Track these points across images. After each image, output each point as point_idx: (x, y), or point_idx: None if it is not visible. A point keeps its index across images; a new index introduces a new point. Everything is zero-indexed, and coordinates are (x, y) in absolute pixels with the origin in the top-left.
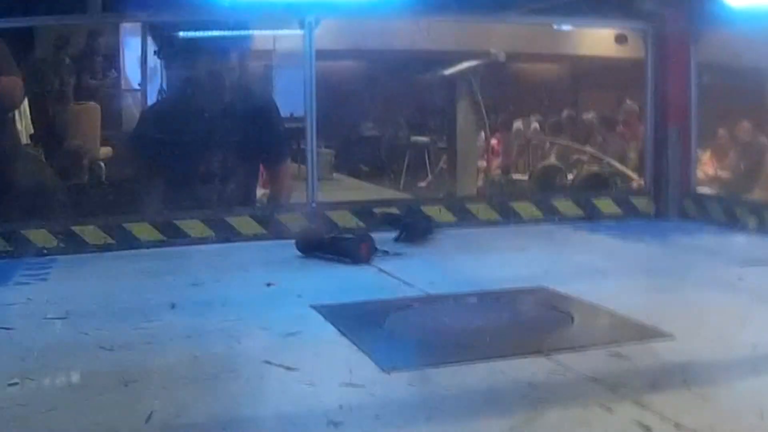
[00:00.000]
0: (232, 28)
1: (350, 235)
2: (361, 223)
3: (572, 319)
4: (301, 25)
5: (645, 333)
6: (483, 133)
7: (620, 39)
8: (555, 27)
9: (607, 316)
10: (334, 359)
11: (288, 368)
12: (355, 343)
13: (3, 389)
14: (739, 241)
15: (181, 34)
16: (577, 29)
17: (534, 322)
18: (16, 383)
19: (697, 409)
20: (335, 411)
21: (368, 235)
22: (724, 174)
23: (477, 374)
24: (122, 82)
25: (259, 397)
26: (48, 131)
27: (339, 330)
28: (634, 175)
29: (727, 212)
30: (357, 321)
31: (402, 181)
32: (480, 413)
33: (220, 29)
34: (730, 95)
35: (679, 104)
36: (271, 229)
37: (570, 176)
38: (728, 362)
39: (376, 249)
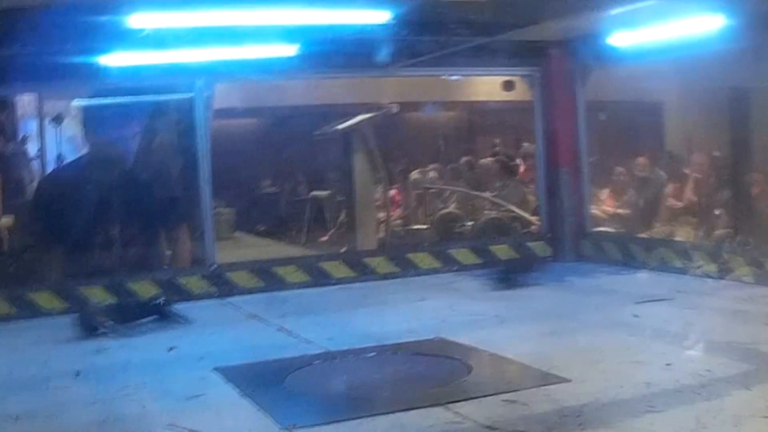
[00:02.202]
0: (126, 95)
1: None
2: (261, 282)
3: (469, 368)
4: (192, 89)
5: (541, 378)
6: (381, 185)
7: (507, 86)
8: (443, 77)
9: (503, 363)
10: (235, 420)
11: (191, 431)
12: (256, 403)
13: None
14: (634, 278)
15: (77, 102)
16: (467, 78)
17: (431, 374)
18: None
19: None
20: None
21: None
22: (623, 211)
23: (376, 428)
24: (22, 151)
25: None
26: None
27: (240, 391)
28: (533, 219)
29: (623, 251)
30: (258, 381)
31: (304, 237)
32: None
33: (114, 96)
34: (625, 131)
35: (568, 146)
36: (174, 293)
37: (469, 223)
38: (623, 402)
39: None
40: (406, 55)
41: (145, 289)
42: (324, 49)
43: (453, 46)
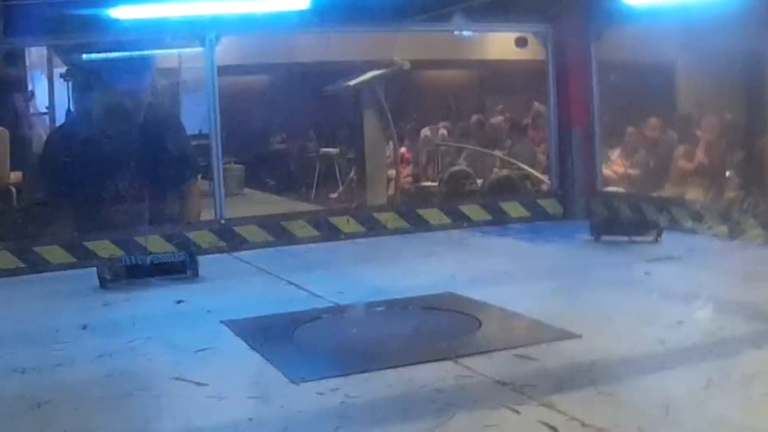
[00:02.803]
0: (135, 48)
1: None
2: (270, 237)
3: (479, 323)
4: (202, 43)
5: (552, 334)
6: (391, 143)
7: (520, 42)
8: (456, 33)
9: (514, 318)
10: (243, 373)
11: (198, 384)
12: (264, 357)
13: None
14: (645, 237)
15: (86, 55)
16: (478, 34)
17: (441, 328)
18: None
19: (603, 407)
20: (245, 423)
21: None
22: (634, 171)
23: (385, 382)
24: (30, 105)
25: (170, 413)
26: None
27: (248, 344)
28: (543, 178)
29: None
30: (266, 335)
31: (313, 194)
32: (388, 420)
33: (124, 49)
34: (637, 92)
35: (581, 105)
36: (182, 247)
37: (479, 181)
38: (635, 359)
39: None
40: (418, 10)
41: (154, 243)
42: (335, 3)
43: (465, 1)
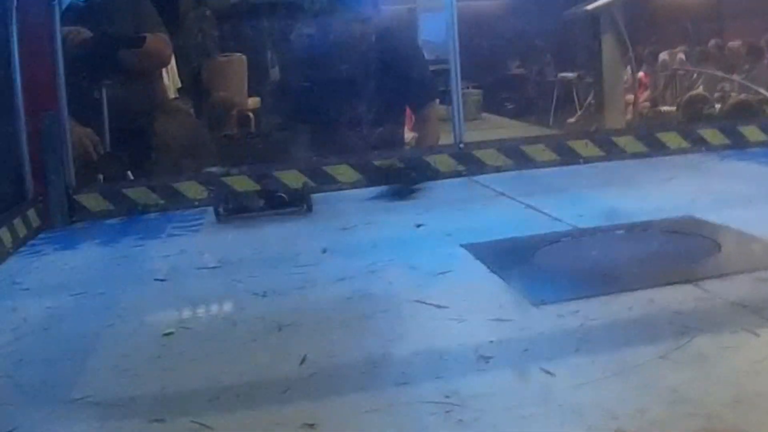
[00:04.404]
0: None
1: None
2: (508, 161)
3: (719, 246)
4: None
5: None
6: (629, 67)
7: None
8: None
9: (753, 242)
10: (483, 296)
11: (439, 306)
12: (504, 279)
13: (159, 338)
14: None
15: None
16: None
17: (681, 251)
18: (171, 332)
19: None
20: (486, 345)
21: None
22: None
23: (625, 304)
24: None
25: (411, 335)
26: (195, 85)
27: (488, 267)
28: None
29: None
30: (506, 257)
31: (551, 118)
32: (628, 342)
33: None
34: None
35: None
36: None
37: (717, 106)
38: None
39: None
40: None
41: (392, 165)
42: None
43: None
